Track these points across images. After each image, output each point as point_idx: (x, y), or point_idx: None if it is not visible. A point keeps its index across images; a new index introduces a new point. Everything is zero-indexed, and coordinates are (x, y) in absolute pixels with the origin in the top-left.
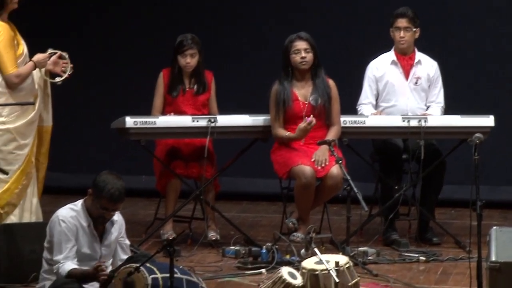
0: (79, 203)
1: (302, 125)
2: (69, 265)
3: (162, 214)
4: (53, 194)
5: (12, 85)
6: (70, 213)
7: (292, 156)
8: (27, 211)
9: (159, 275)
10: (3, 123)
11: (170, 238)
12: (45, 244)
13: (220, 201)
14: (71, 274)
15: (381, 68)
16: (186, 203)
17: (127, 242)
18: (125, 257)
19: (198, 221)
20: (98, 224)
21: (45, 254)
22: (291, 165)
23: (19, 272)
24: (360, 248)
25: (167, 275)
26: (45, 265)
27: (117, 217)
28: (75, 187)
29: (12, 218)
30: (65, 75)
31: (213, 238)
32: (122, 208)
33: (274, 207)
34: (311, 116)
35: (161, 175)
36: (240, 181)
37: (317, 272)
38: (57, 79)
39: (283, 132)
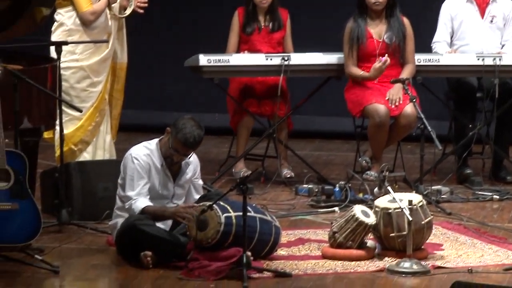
0: (153, 142)
1: (377, 64)
2: (143, 201)
3: (235, 152)
4: (127, 131)
5: (87, 23)
6: (144, 151)
7: (366, 94)
8: (100, 149)
9: (232, 214)
10: (77, 60)
11: (243, 176)
12: (119, 181)
13: (293, 140)
14: (145, 211)
15: (457, 6)
16: (259, 141)
17: (201, 182)
18: (197, 197)
19: (271, 159)
20: (168, 164)
21: (119, 191)
22: (365, 104)
23: (93, 210)
24: (433, 187)
25: (240, 213)
26: (118, 202)
27: (192, 157)
28: (149, 125)
29: (86, 156)
30: (130, 9)
31: (288, 176)
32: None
33: (348, 146)
34: (386, 55)
35: (234, 113)
36: (313, 119)
37: (390, 211)
38: (124, 13)
39: (357, 71)
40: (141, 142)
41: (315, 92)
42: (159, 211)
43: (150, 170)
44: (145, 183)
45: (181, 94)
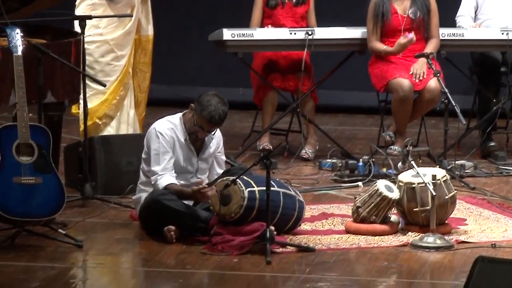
0: (177, 117)
1: (403, 40)
2: (167, 178)
3: (259, 126)
4: (151, 106)
5: None
6: (168, 125)
7: (390, 69)
8: (124, 123)
9: (255, 188)
10: (101, 34)
11: (267, 150)
12: (143, 156)
13: (317, 114)
14: (168, 188)
15: None
16: (282, 115)
17: (224, 157)
18: (220, 171)
19: (295, 134)
20: (192, 139)
21: (143, 165)
22: (389, 78)
23: (116, 184)
24: (457, 162)
25: (264, 188)
26: (142, 177)
27: (216, 131)
28: (172, 99)
29: (110, 130)
30: None
31: (304, 156)
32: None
33: (371, 120)
34: (412, 32)
35: (258, 88)
36: (337, 94)
37: (413, 185)
38: None
39: (380, 46)
40: (164, 116)
41: (338, 67)
42: (181, 190)
43: (174, 144)
44: (170, 157)
45: (205, 69)
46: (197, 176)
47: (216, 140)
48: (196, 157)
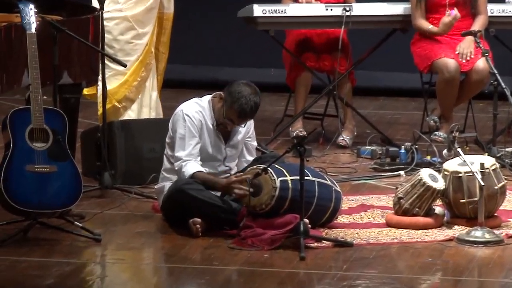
0: (205, 99)
1: (446, 19)
2: (194, 166)
3: (292, 110)
4: (174, 88)
5: None
6: (196, 107)
7: (435, 48)
8: (146, 106)
9: (288, 177)
10: (120, 10)
11: (301, 136)
12: (167, 140)
13: (355, 97)
14: (195, 176)
15: None
16: (318, 98)
17: (255, 143)
18: (250, 158)
19: (331, 118)
20: (220, 128)
21: (167, 151)
22: (433, 58)
23: (137, 173)
24: (507, 149)
25: (297, 177)
26: (166, 163)
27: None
28: (197, 81)
29: (130, 114)
30: None
31: (341, 143)
32: None
33: (414, 104)
34: (455, 8)
35: (291, 68)
36: (377, 75)
37: (460, 175)
38: None
39: (426, 25)
40: (190, 99)
41: (379, 46)
42: (210, 180)
43: (202, 129)
44: (196, 142)
45: (234, 48)
46: (225, 164)
47: (246, 125)
48: (223, 143)
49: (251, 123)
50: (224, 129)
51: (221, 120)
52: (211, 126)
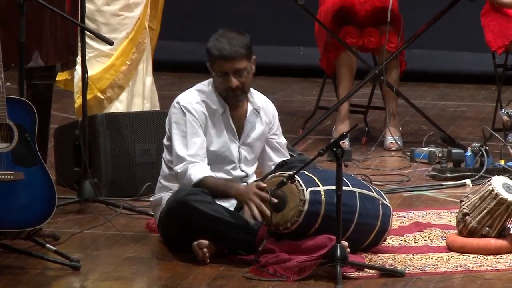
0: (207, 83)
1: None
2: (202, 169)
3: (326, 101)
4: (176, 71)
5: None
6: (196, 97)
7: None
8: (138, 96)
9: (321, 188)
10: None
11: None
12: (165, 142)
13: (407, 84)
14: (204, 182)
15: None
16: (361, 85)
17: (283, 140)
18: (279, 160)
19: (377, 111)
20: (231, 103)
21: (165, 154)
22: (511, 36)
23: (127, 181)
24: None
25: (333, 187)
26: (164, 169)
27: (264, 103)
28: (201, 62)
29: (118, 106)
30: None
31: (392, 148)
32: (272, 93)
33: (484, 92)
34: None
35: (326, 47)
36: (435, 56)
37: None
38: None
39: None
40: (193, 85)
41: (439, 18)
42: (223, 185)
43: (207, 122)
44: (202, 141)
45: (253, 22)
46: (240, 167)
47: (264, 115)
48: (237, 140)
49: (273, 115)
50: (235, 97)
51: (221, 87)
52: (220, 114)
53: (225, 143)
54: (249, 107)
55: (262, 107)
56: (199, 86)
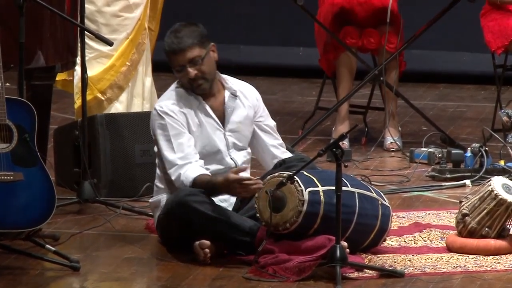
0: (177, 82)
1: None
2: (194, 169)
3: (326, 101)
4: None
5: None
6: (171, 99)
7: None
8: (138, 97)
9: (320, 188)
10: None
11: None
12: (155, 149)
13: (406, 84)
14: (197, 182)
15: None
16: (360, 86)
17: (271, 122)
18: (275, 142)
19: (377, 112)
20: (204, 94)
21: (158, 161)
22: (511, 36)
23: (127, 182)
24: None
25: (332, 187)
26: (158, 173)
27: (242, 86)
28: None
29: (118, 107)
30: None
31: (391, 148)
32: (271, 93)
33: (484, 93)
34: None
35: (326, 48)
36: (435, 56)
37: None
38: None
39: None
40: None
41: (438, 18)
42: (209, 182)
43: (188, 119)
44: (188, 139)
45: (253, 22)
46: (230, 154)
47: (244, 98)
48: (221, 128)
49: (256, 98)
50: (198, 87)
51: (183, 80)
52: (197, 106)
53: (210, 134)
54: (226, 93)
55: (239, 90)
56: (171, 87)
